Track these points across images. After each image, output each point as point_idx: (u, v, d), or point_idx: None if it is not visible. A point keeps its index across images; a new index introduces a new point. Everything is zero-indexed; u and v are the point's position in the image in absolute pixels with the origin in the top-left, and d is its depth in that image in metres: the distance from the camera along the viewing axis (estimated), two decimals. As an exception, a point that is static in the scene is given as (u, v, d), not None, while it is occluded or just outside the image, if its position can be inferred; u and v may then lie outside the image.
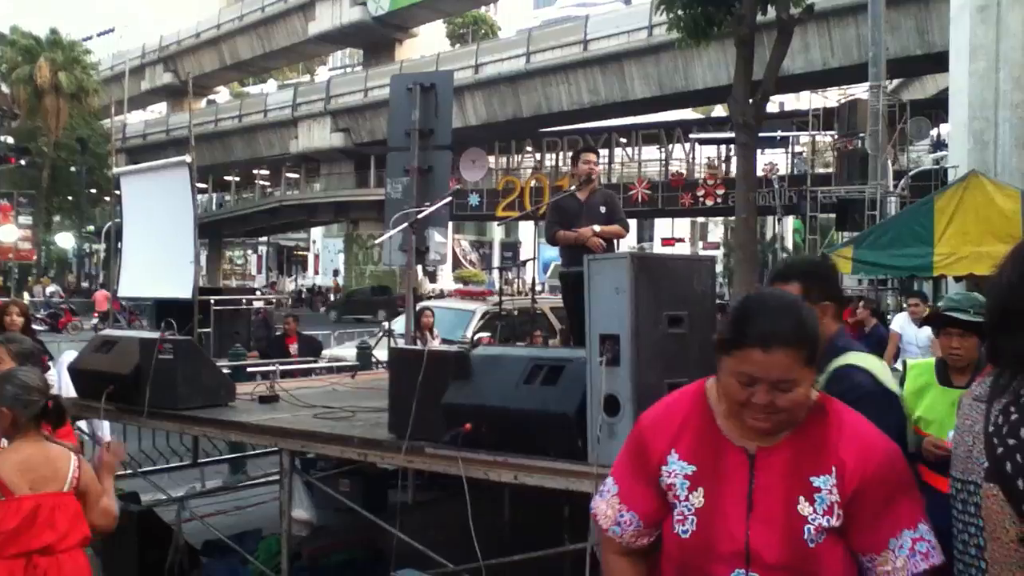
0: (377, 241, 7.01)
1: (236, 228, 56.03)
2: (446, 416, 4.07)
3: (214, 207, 55.65)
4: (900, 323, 9.82)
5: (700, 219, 52.69)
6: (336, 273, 55.45)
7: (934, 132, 28.81)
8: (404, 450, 4.16)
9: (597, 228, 6.11)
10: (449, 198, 6.92)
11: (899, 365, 8.81)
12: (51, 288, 30.71)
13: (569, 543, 4.25)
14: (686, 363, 3.73)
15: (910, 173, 19.32)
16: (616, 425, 3.58)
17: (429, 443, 4.14)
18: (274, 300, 17.55)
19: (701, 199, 35.33)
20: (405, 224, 6.28)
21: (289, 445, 4.72)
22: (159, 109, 63.57)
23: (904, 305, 10.43)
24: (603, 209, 6.19)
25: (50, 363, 5.67)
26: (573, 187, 6.38)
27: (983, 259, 9.19)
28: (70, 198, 48.86)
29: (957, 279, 10.56)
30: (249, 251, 74.34)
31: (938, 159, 22.54)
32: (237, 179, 58.26)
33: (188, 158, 8.13)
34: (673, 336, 3.67)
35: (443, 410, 4.09)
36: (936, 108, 26.70)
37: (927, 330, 9.39)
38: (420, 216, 6.28)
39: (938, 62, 22.51)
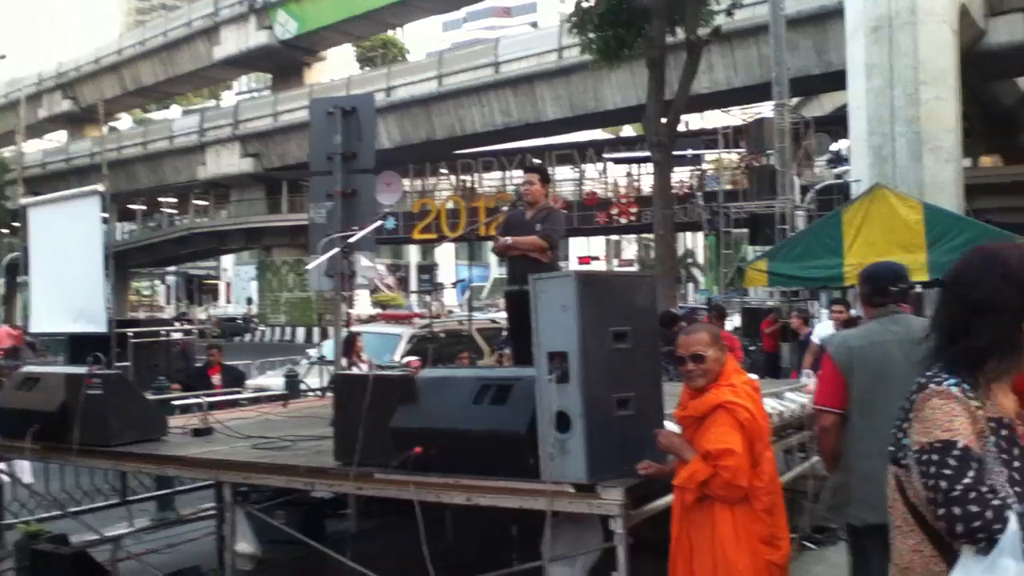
0: (308, 267, 6.92)
1: (143, 258, 54.40)
2: (395, 440, 4.04)
3: (119, 236, 53.91)
4: (822, 332, 10.12)
5: (614, 237, 53.51)
6: (249, 301, 54.35)
7: (834, 147, 29.93)
8: (352, 476, 4.11)
9: (510, 240, 6.26)
10: (380, 222, 6.90)
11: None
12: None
13: (518, 562, 4.26)
14: (632, 377, 3.82)
15: (815, 188, 20.04)
16: (568, 441, 3.63)
17: (378, 468, 4.10)
18: (195, 331, 16.99)
19: (616, 217, 35.89)
20: (336, 249, 6.23)
21: (231, 478, 4.58)
22: (58, 137, 61.48)
23: (828, 313, 10.75)
24: (538, 227, 6.27)
25: None
26: (511, 204, 6.45)
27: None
28: (-36, 231, 46.78)
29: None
30: (157, 281, 72.28)
31: (840, 173, 23.47)
32: (143, 207, 56.66)
33: (101, 187, 7.89)
34: (619, 351, 3.75)
35: (391, 434, 4.07)
36: (835, 124, 27.74)
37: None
38: (351, 240, 6.24)
39: (836, 80, 23.44)
